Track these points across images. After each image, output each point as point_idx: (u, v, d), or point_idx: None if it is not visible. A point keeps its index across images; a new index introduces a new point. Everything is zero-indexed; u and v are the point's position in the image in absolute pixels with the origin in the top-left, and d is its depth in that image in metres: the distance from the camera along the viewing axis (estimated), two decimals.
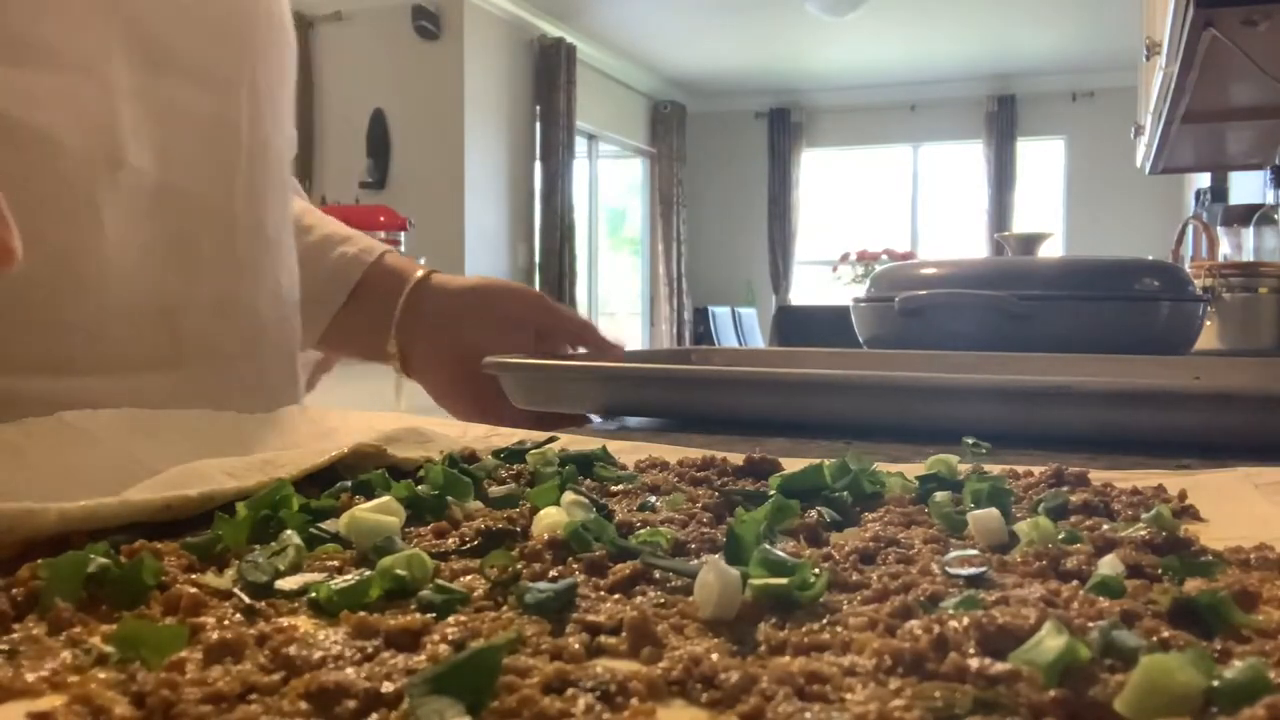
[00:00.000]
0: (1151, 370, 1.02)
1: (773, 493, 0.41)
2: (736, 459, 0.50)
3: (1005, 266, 1.52)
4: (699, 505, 0.40)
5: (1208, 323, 1.90)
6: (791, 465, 0.48)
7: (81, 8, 0.58)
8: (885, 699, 0.21)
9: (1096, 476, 0.48)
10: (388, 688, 0.22)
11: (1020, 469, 0.50)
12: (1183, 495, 0.44)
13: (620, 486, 0.44)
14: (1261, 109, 2.39)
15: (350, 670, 0.23)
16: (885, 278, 1.52)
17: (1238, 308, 2.04)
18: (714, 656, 0.24)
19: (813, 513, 0.39)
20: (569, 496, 0.37)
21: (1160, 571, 0.31)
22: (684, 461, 0.50)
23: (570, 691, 0.22)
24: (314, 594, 0.28)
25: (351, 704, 0.22)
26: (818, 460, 0.44)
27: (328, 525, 0.35)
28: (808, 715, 0.21)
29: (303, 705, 0.21)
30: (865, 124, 9.27)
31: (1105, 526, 0.37)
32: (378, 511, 0.34)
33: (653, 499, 0.41)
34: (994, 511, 0.36)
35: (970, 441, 0.63)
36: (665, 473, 0.48)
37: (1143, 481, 0.47)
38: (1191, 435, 0.67)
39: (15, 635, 0.26)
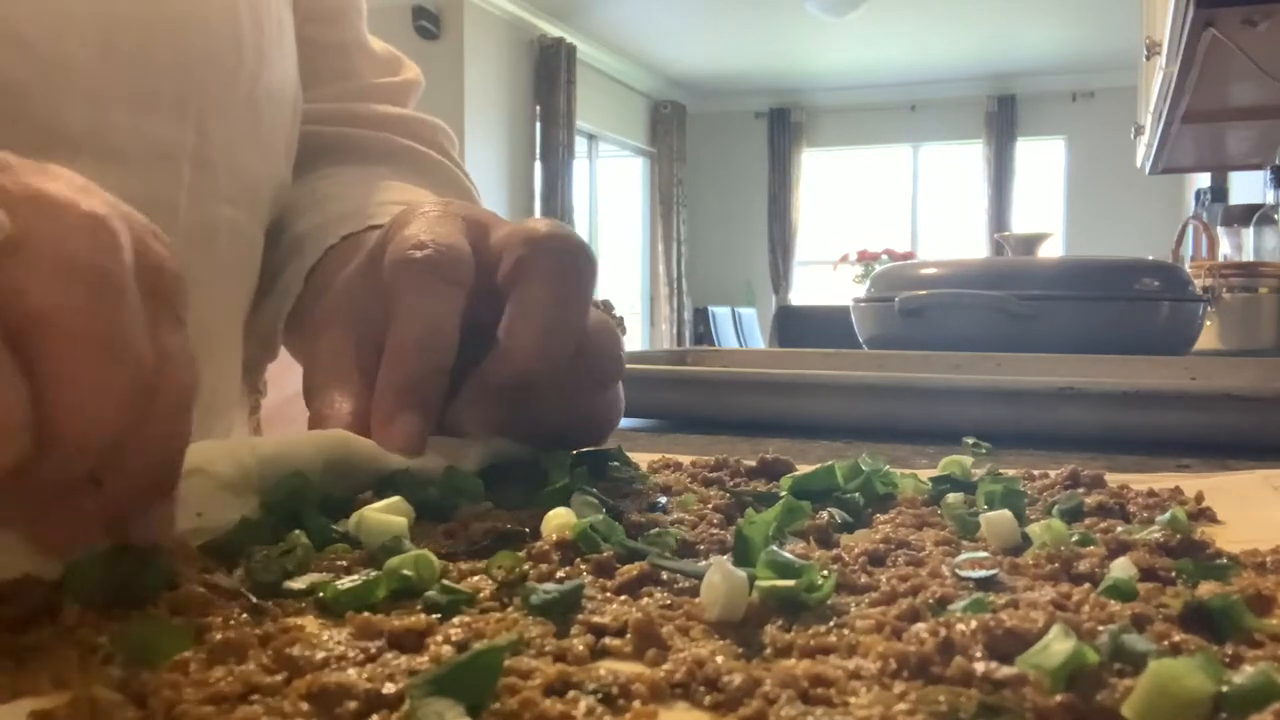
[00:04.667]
0: (1151, 370, 1.02)
1: (783, 494, 0.41)
2: (750, 460, 0.50)
3: (1005, 266, 1.52)
4: (709, 506, 0.40)
5: (1208, 323, 1.89)
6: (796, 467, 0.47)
7: None
8: (889, 703, 0.21)
9: (1109, 478, 0.47)
10: (389, 689, 0.22)
11: (1036, 471, 0.49)
12: (1199, 497, 0.43)
13: (632, 487, 0.44)
14: (1261, 109, 2.39)
15: (352, 671, 0.23)
16: (885, 278, 1.52)
17: (1238, 308, 2.04)
18: (718, 659, 0.24)
19: (823, 514, 0.39)
20: (579, 497, 0.37)
21: (1174, 574, 0.31)
22: (697, 463, 0.50)
23: (572, 694, 0.22)
24: (320, 594, 0.28)
25: (352, 705, 0.22)
26: (829, 461, 0.44)
27: (337, 525, 0.34)
28: (810, 719, 0.21)
29: (304, 706, 0.21)
30: (865, 124, 9.27)
31: (1120, 529, 0.37)
32: (387, 511, 0.34)
33: (664, 500, 0.41)
34: (1006, 513, 0.36)
35: (971, 441, 0.63)
36: (678, 474, 0.48)
37: (1144, 482, 0.47)
38: (1191, 435, 0.67)
39: (24, 634, 0.25)
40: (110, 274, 0.27)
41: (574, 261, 0.42)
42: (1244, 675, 0.21)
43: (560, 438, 0.46)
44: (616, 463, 0.46)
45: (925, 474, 0.47)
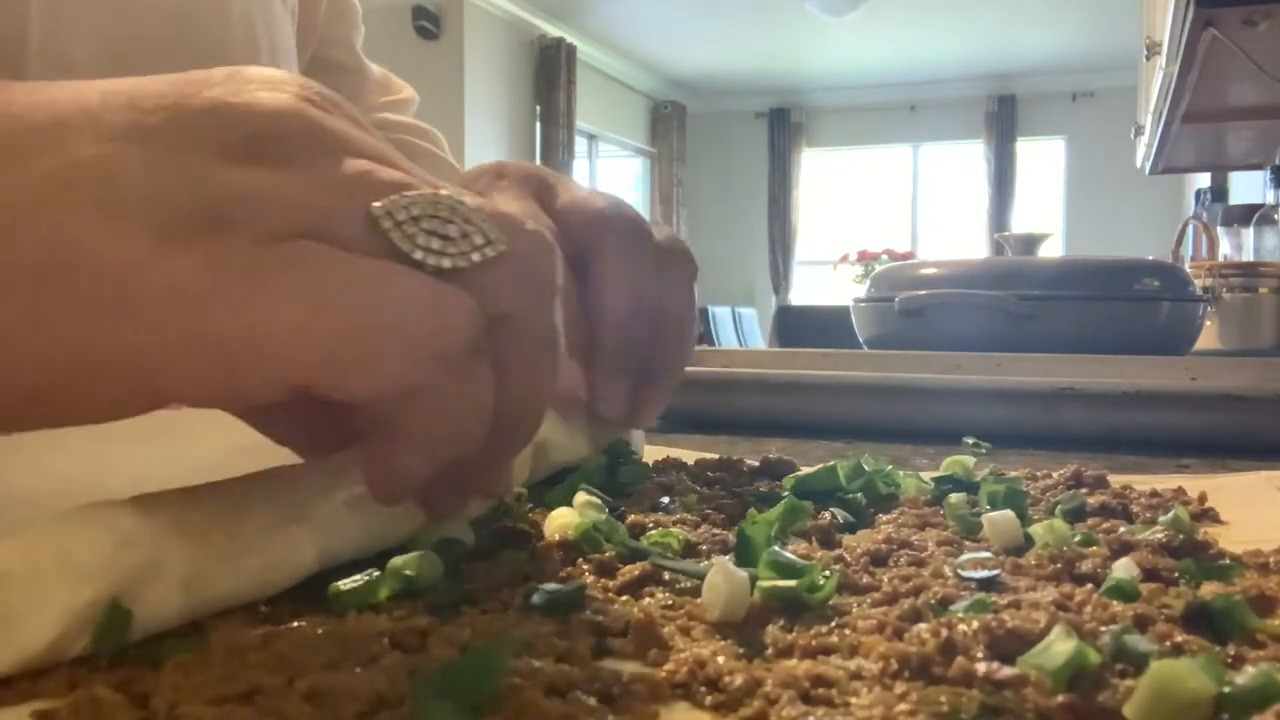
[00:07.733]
0: (1151, 370, 1.02)
1: (786, 494, 0.41)
2: (752, 460, 0.50)
3: (1005, 266, 1.52)
4: (712, 506, 0.40)
5: (1208, 323, 1.89)
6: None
7: None
8: (890, 703, 0.21)
9: (1113, 479, 0.47)
10: (391, 689, 0.22)
11: (1039, 471, 0.49)
12: (1203, 498, 0.43)
13: (635, 487, 0.44)
14: (1261, 109, 2.39)
15: (355, 671, 0.23)
16: (885, 278, 1.52)
17: (1238, 308, 2.04)
18: (719, 659, 0.24)
19: (825, 514, 0.39)
20: (581, 497, 0.37)
21: (1176, 575, 0.31)
22: (699, 463, 0.50)
23: (573, 694, 0.22)
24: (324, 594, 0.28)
25: (354, 706, 0.21)
26: (831, 462, 0.44)
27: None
28: (811, 719, 0.21)
29: (306, 707, 0.21)
30: (865, 124, 9.27)
31: (1122, 529, 0.37)
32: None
33: (666, 500, 0.41)
34: (1009, 513, 0.36)
35: (970, 441, 0.63)
36: (680, 474, 0.48)
37: (1145, 483, 0.47)
38: (1191, 435, 0.66)
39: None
40: (554, 284, 0.32)
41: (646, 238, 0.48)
42: (1246, 676, 0.21)
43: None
44: (624, 461, 0.47)
45: (926, 474, 0.47)
